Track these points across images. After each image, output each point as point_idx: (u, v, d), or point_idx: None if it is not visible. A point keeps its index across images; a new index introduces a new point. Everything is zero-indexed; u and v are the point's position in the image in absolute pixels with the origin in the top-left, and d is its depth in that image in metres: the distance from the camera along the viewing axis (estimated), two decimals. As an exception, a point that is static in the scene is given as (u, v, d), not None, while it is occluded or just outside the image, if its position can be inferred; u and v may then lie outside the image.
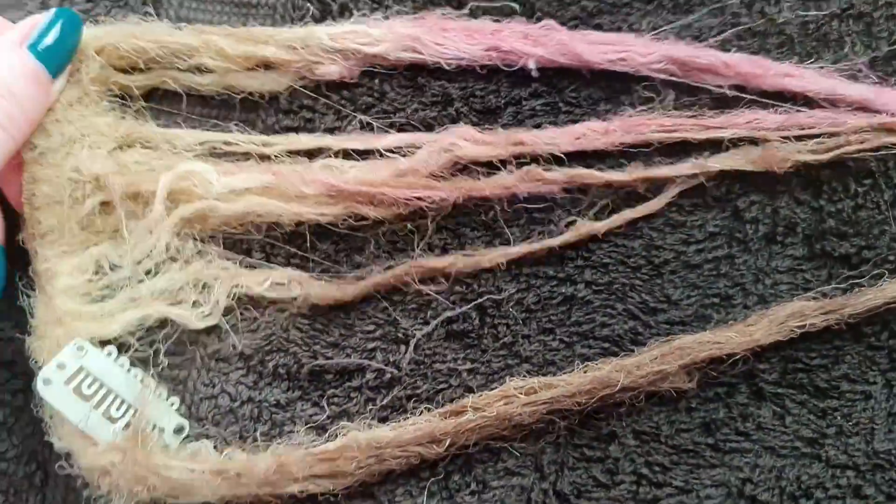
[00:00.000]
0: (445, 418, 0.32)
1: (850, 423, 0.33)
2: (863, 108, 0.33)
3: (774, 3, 0.35)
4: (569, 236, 0.34)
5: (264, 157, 0.35)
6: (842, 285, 0.34)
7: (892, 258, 0.34)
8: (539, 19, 0.35)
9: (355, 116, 0.35)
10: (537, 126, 0.35)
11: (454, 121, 0.35)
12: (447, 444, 0.32)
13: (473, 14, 0.35)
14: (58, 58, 0.32)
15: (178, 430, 0.33)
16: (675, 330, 0.34)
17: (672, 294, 0.34)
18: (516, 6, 0.36)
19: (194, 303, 0.34)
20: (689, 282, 0.34)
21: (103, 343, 0.33)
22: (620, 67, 0.34)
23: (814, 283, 0.34)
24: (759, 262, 0.34)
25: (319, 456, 0.31)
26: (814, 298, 0.33)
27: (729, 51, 0.35)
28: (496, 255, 0.34)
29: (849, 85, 0.34)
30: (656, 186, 0.35)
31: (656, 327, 0.34)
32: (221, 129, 0.36)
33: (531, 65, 0.34)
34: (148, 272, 0.34)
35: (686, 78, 0.34)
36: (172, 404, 0.33)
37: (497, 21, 0.35)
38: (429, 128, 0.35)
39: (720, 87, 0.34)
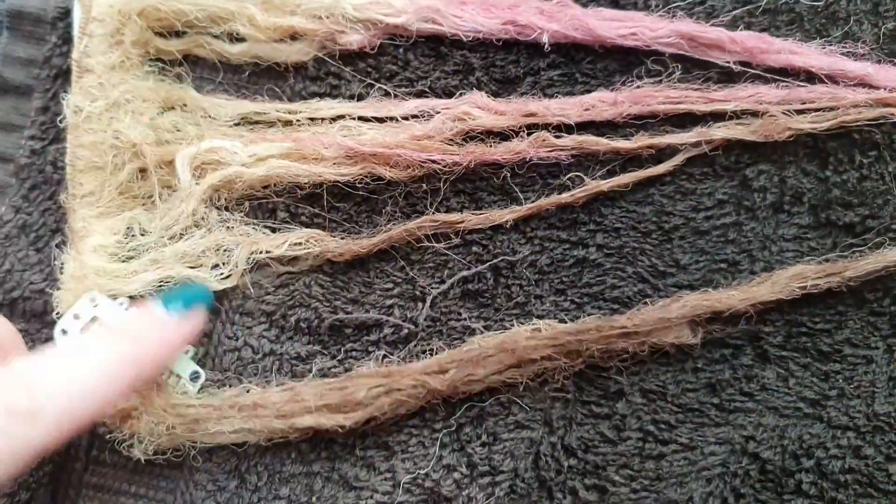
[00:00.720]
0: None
1: (852, 386, 0.34)
2: (863, 83, 0.34)
3: (785, -19, 0.36)
4: (578, 192, 0.35)
5: (287, 123, 0.36)
6: (845, 253, 0.35)
7: (894, 227, 0.35)
8: (558, -6, 0.36)
9: (380, 84, 0.37)
10: (554, 95, 0.36)
11: (476, 89, 0.36)
12: (453, 375, 0.33)
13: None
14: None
15: (195, 377, 0.34)
16: (683, 293, 0.35)
17: (681, 259, 0.35)
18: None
19: (214, 266, 0.35)
20: (698, 247, 0.35)
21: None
22: (631, 42, 0.35)
23: (819, 250, 0.35)
24: (765, 229, 0.35)
25: (331, 385, 0.32)
26: (818, 262, 0.34)
27: (739, 27, 0.35)
28: (505, 213, 0.36)
29: (849, 62, 0.35)
30: (665, 156, 0.36)
31: (665, 290, 0.35)
32: (252, 96, 0.37)
33: (545, 38, 0.35)
34: (173, 237, 0.35)
35: (693, 53, 0.35)
36: (187, 352, 0.35)
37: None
38: (450, 96, 0.37)
39: (727, 62, 0.35)
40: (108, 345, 0.27)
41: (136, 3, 0.35)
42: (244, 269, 0.35)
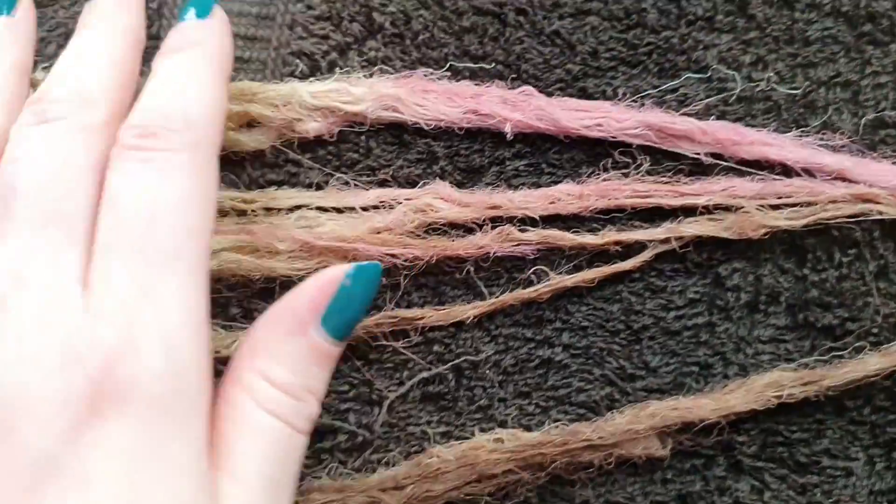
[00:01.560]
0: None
1: (831, 500, 0.33)
2: (841, 178, 0.33)
3: (762, 68, 0.35)
4: (542, 288, 0.34)
5: (243, 213, 0.35)
6: (824, 357, 0.33)
7: (875, 331, 0.33)
8: (525, 81, 0.35)
9: (340, 172, 0.35)
10: (520, 186, 0.35)
11: (439, 178, 0.35)
12: (410, 492, 0.31)
13: (457, 74, 0.35)
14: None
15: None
16: (653, 397, 0.34)
17: (650, 361, 0.34)
18: (500, 68, 0.35)
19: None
20: (668, 349, 0.34)
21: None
22: (597, 133, 0.34)
23: (796, 353, 0.34)
24: (740, 330, 0.34)
25: None
26: (794, 370, 0.32)
27: (713, 116, 0.34)
28: (468, 309, 0.34)
29: (827, 154, 0.33)
30: (634, 251, 0.34)
31: (633, 394, 0.34)
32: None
33: (507, 129, 0.34)
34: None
35: (662, 144, 0.34)
36: None
37: (479, 84, 0.35)
38: (413, 185, 0.35)
39: (697, 154, 0.34)
40: None
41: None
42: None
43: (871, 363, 0.32)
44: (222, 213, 0.36)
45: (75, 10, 0.36)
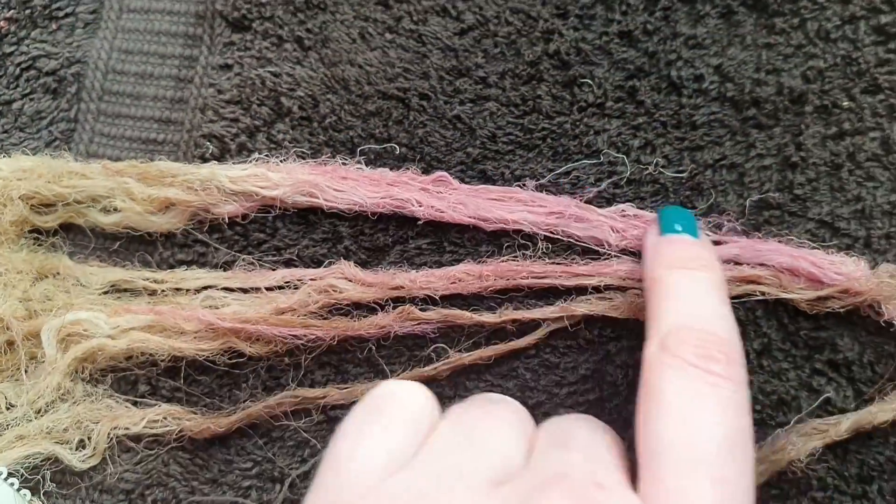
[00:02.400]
0: None
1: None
2: (729, 261, 0.34)
3: (650, 152, 0.36)
4: (440, 365, 0.35)
5: (153, 293, 0.36)
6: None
7: (757, 408, 0.34)
8: (429, 163, 0.37)
9: (247, 252, 0.36)
10: (422, 264, 0.36)
11: (343, 258, 0.36)
12: None
13: (365, 156, 0.37)
14: None
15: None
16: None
17: (544, 436, 0.35)
18: (405, 150, 0.37)
19: (79, 442, 0.35)
20: (562, 424, 0.35)
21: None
22: (513, 226, 0.35)
23: (684, 428, 0.35)
24: (630, 406, 0.35)
25: None
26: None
27: (605, 199, 0.36)
28: (368, 387, 0.35)
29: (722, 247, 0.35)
30: (530, 328, 0.35)
31: (527, 469, 0.35)
32: (123, 263, 0.37)
33: (421, 215, 0.35)
34: (39, 411, 0.35)
35: (569, 235, 0.35)
36: (12, 484, 0.34)
37: (390, 168, 0.37)
38: (318, 264, 0.37)
39: (591, 237, 0.35)
40: None
41: (17, 187, 0.35)
42: (104, 447, 0.35)
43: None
44: (134, 292, 0.37)
45: None
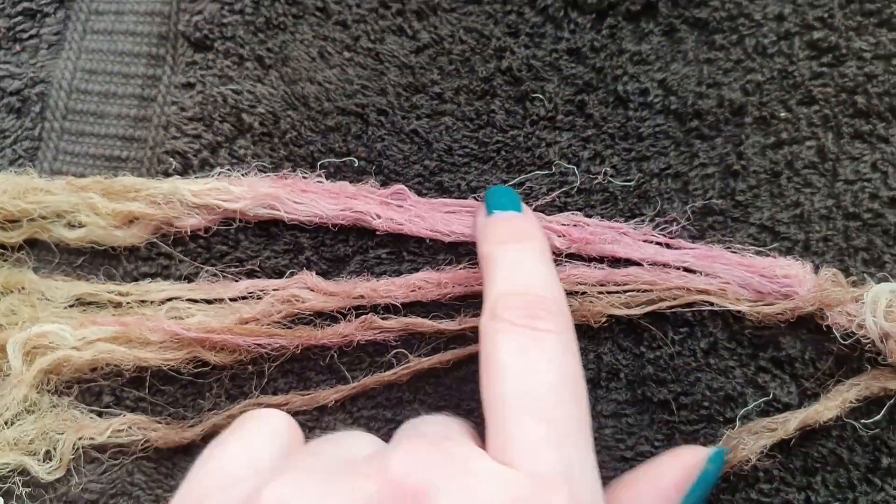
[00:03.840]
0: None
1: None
2: (681, 268, 0.36)
3: (599, 163, 0.38)
4: (400, 370, 0.36)
5: (118, 305, 0.37)
6: (660, 435, 0.35)
7: (706, 404, 0.36)
8: (387, 176, 0.38)
9: (209, 264, 0.37)
10: (382, 273, 0.37)
11: (305, 268, 0.37)
12: None
13: (325, 170, 0.38)
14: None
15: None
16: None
17: (503, 437, 0.36)
18: (363, 164, 0.38)
19: (46, 454, 0.35)
20: (519, 425, 0.36)
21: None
22: (470, 238, 0.36)
23: (636, 427, 0.36)
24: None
25: None
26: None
27: (557, 208, 0.37)
28: (331, 393, 0.36)
29: (669, 252, 0.36)
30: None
31: (486, 470, 0.35)
32: (87, 276, 0.38)
33: (380, 227, 0.37)
34: (7, 423, 0.35)
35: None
36: None
37: (350, 181, 0.38)
38: (280, 275, 0.37)
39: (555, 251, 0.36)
40: None
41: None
42: (70, 458, 0.35)
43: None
44: (99, 305, 0.37)
45: None
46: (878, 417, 0.34)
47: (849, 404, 0.34)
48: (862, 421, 0.34)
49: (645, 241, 0.37)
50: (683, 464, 0.30)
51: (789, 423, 0.34)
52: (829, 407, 0.35)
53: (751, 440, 0.34)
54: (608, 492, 0.31)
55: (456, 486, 0.23)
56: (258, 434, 0.27)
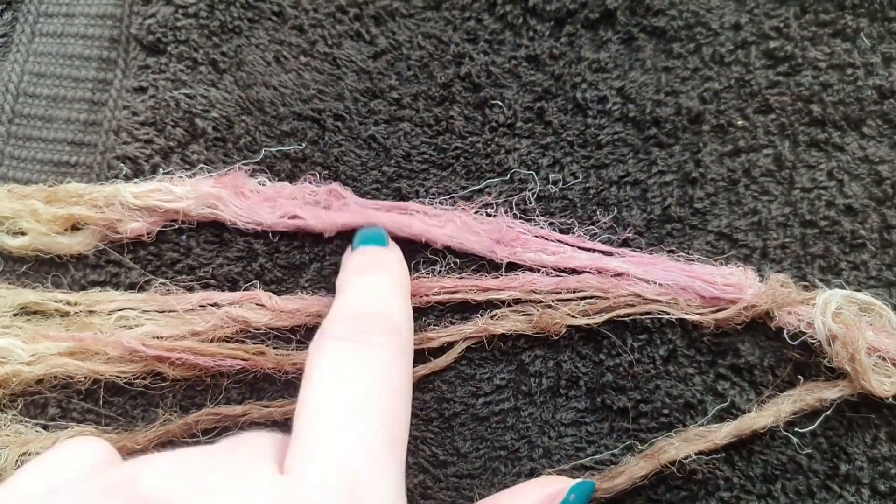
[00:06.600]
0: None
1: None
2: (618, 273, 0.36)
3: (558, 170, 0.37)
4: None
5: (66, 314, 0.36)
6: (620, 444, 0.35)
7: (665, 412, 0.35)
8: (344, 182, 0.37)
9: (161, 271, 0.36)
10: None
11: (259, 276, 0.37)
12: None
13: (276, 172, 0.37)
14: None
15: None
16: (464, 483, 0.35)
17: (461, 447, 0.35)
18: (320, 170, 0.37)
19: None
20: (478, 434, 0.36)
21: None
22: (407, 234, 0.36)
23: (596, 435, 0.36)
24: (544, 414, 0.36)
25: None
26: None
27: (516, 214, 0.37)
28: (287, 403, 0.35)
29: (612, 259, 0.36)
30: (447, 345, 0.36)
31: (445, 481, 0.35)
32: (33, 285, 0.36)
33: (327, 234, 0.36)
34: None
35: (463, 244, 0.36)
36: None
37: (293, 182, 0.37)
38: (233, 282, 0.37)
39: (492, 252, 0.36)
40: None
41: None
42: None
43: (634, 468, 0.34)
44: (46, 315, 0.36)
45: None
46: (813, 427, 0.34)
47: (784, 415, 0.34)
48: (795, 429, 0.34)
49: (582, 248, 0.36)
50: (545, 492, 0.29)
51: (720, 431, 0.34)
52: (762, 416, 0.34)
53: (681, 445, 0.34)
54: None
55: (202, 499, 0.22)
56: (61, 457, 0.25)
